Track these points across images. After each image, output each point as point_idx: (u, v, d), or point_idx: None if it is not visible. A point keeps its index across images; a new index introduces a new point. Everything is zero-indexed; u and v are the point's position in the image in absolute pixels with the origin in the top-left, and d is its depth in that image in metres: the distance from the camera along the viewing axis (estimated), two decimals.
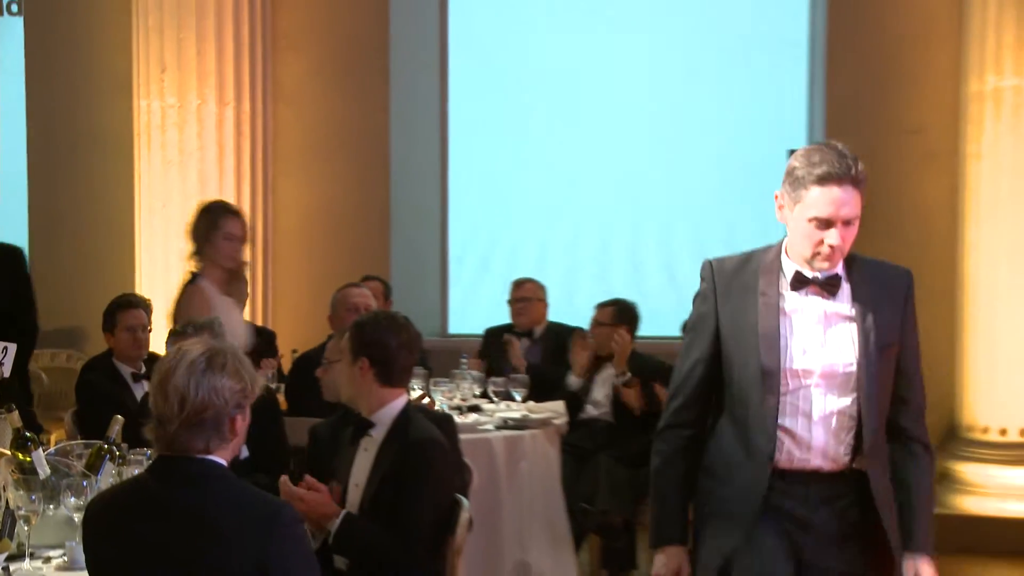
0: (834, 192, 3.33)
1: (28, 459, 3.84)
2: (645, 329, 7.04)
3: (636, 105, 9.19)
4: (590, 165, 9.29)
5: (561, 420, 6.29)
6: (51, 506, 3.74)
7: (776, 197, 3.47)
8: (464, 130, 9.59)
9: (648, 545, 3.78)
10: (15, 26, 9.94)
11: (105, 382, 6.02)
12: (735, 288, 3.50)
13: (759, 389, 3.42)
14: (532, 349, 7.52)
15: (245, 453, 5.01)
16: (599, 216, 9.22)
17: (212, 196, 8.48)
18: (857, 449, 3.46)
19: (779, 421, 3.42)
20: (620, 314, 6.93)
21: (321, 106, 9.05)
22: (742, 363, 3.46)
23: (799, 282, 3.44)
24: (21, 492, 3.55)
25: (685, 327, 3.67)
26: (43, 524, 3.69)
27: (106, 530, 3.11)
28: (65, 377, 8.17)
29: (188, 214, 8.38)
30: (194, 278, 6.05)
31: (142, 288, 8.25)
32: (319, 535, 4.03)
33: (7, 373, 4.99)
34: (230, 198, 8.55)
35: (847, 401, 3.44)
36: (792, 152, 3.52)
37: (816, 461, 3.45)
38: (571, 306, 7.55)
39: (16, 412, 4.11)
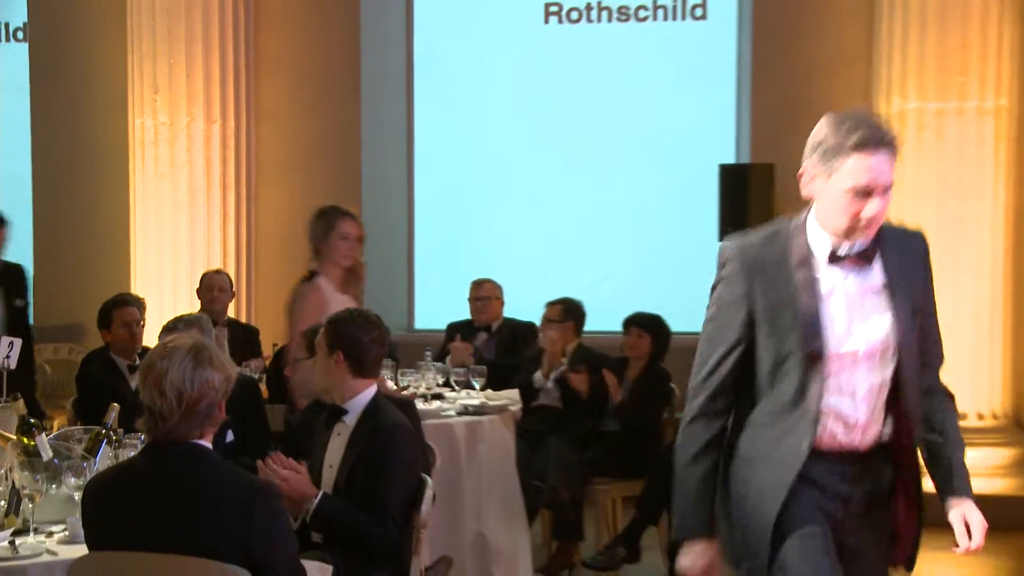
0: (872, 159, 2.94)
1: (32, 443, 3.86)
2: (592, 324, 7.08)
3: (585, 123, 9.26)
4: (543, 176, 9.35)
5: (516, 407, 6.29)
6: (53, 486, 3.74)
7: (800, 174, 3.05)
8: (428, 145, 9.61)
9: (672, 537, 3.45)
10: (21, 51, 9.91)
11: (103, 373, 5.98)
12: (768, 269, 3.05)
13: (800, 373, 3.01)
14: (489, 342, 7.52)
15: (231, 437, 5.00)
16: (552, 222, 9.28)
17: (200, 204, 8.53)
18: (887, 421, 3.10)
19: (825, 402, 3.02)
20: (567, 312, 6.96)
21: (299, 123, 9.05)
22: (781, 348, 3.02)
23: (834, 258, 3.03)
24: (26, 473, 3.55)
25: (706, 318, 3.16)
26: (46, 502, 3.69)
27: (103, 507, 3.13)
28: (66, 369, 8.10)
29: (178, 221, 8.48)
30: (311, 276, 5.77)
31: (136, 288, 8.25)
32: (296, 513, 4.00)
33: (13, 365, 4.97)
34: (216, 206, 8.57)
35: (888, 374, 3.06)
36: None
37: (858, 438, 3.06)
38: (528, 304, 7.55)
39: (22, 400, 4.11)
